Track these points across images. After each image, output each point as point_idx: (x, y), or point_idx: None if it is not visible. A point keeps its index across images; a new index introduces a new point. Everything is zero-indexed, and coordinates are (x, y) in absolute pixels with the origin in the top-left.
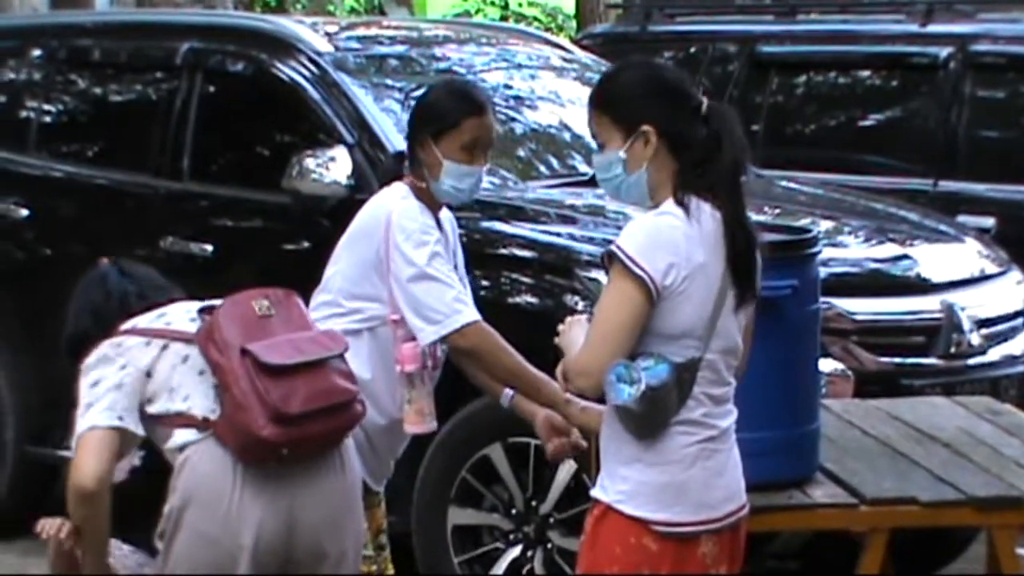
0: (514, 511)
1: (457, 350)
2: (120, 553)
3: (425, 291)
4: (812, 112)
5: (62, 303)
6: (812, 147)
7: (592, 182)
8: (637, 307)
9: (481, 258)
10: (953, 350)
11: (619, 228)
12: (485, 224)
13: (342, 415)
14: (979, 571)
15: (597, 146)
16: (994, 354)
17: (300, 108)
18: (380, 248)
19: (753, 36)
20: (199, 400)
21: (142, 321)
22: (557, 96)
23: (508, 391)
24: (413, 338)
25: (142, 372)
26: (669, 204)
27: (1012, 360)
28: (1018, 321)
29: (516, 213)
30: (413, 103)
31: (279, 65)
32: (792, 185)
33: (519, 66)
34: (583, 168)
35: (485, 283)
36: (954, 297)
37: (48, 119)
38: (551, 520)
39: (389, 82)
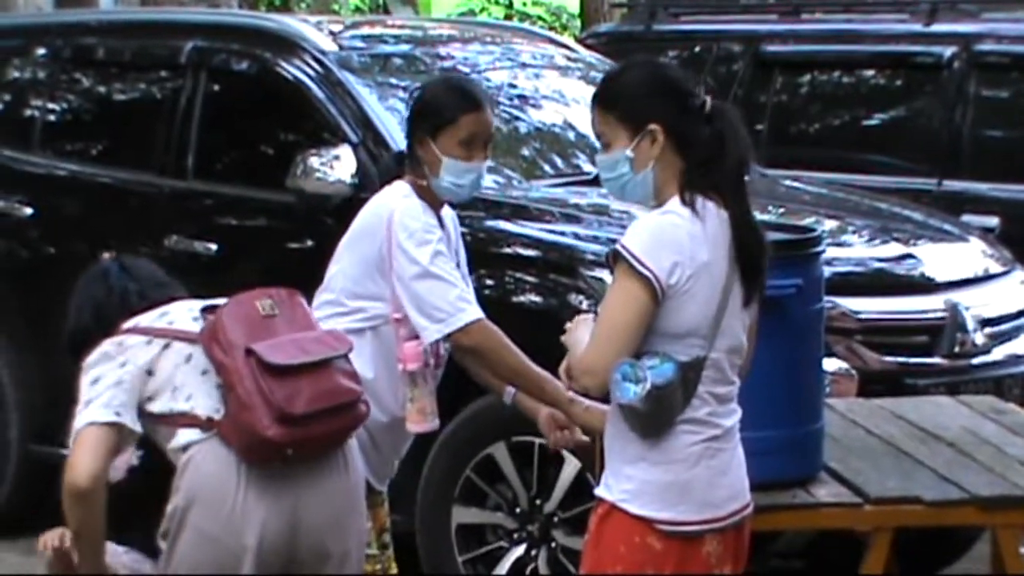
0: (518, 510)
1: (460, 348)
2: (113, 552)
3: (428, 289)
4: (816, 111)
5: (66, 301)
6: (816, 146)
7: (596, 181)
8: (642, 306)
9: (485, 257)
10: (957, 349)
11: (623, 227)
12: (489, 223)
13: (346, 415)
14: (983, 570)
15: (601, 145)
16: (998, 353)
17: (304, 107)
18: (382, 247)
19: (757, 35)
20: (202, 400)
21: (144, 320)
22: (561, 95)
23: (510, 388)
24: (415, 337)
25: (143, 370)
26: (674, 203)
27: (1016, 359)
28: (1022, 320)
29: (520, 212)
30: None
31: (283, 64)
32: (796, 184)
33: (523, 65)
34: (587, 167)
35: (489, 282)
36: (958, 296)
37: (52, 118)
38: (555, 519)
39: (393, 81)
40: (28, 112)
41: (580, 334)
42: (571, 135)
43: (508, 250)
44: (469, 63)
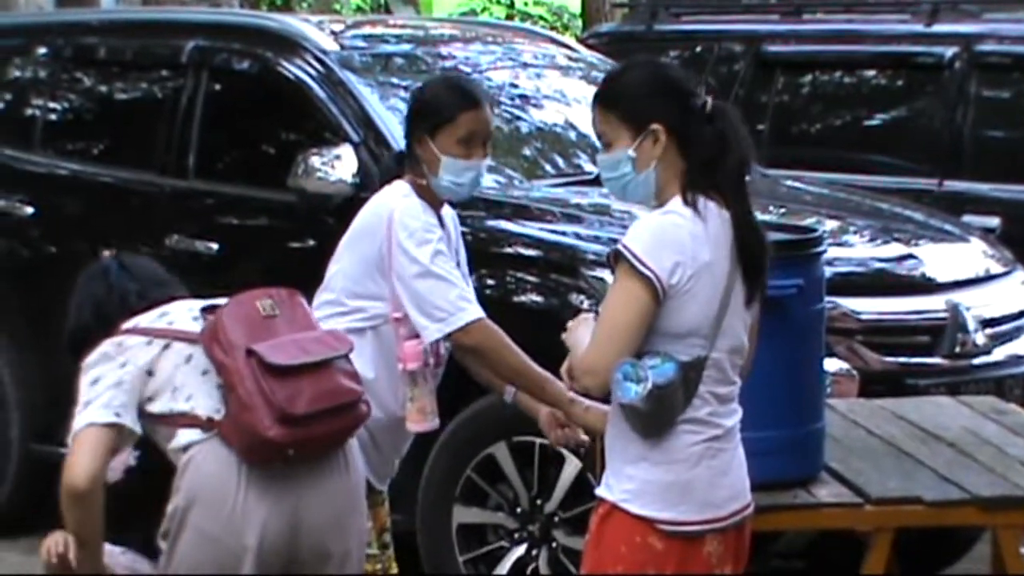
0: (519, 510)
1: (461, 347)
2: (111, 553)
3: (429, 289)
4: (817, 111)
5: (67, 301)
6: (817, 146)
7: (597, 181)
8: (643, 306)
9: (486, 257)
10: (958, 350)
11: (625, 227)
12: (490, 223)
13: (347, 415)
14: (984, 571)
15: (602, 145)
16: (999, 354)
17: (306, 106)
18: (382, 246)
19: (759, 35)
20: (203, 400)
21: (144, 320)
22: (563, 95)
23: (511, 387)
24: (415, 336)
25: (143, 370)
26: (675, 203)
27: (1017, 360)
28: (1023, 321)
29: (521, 212)
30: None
31: (285, 63)
32: (797, 184)
33: (524, 65)
34: (588, 167)
35: (491, 282)
36: (959, 297)
37: (53, 117)
38: (556, 519)
39: (395, 80)
40: (29, 111)
41: (581, 333)
42: (572, 135)
43: (509, 250)
44: (470, 63)
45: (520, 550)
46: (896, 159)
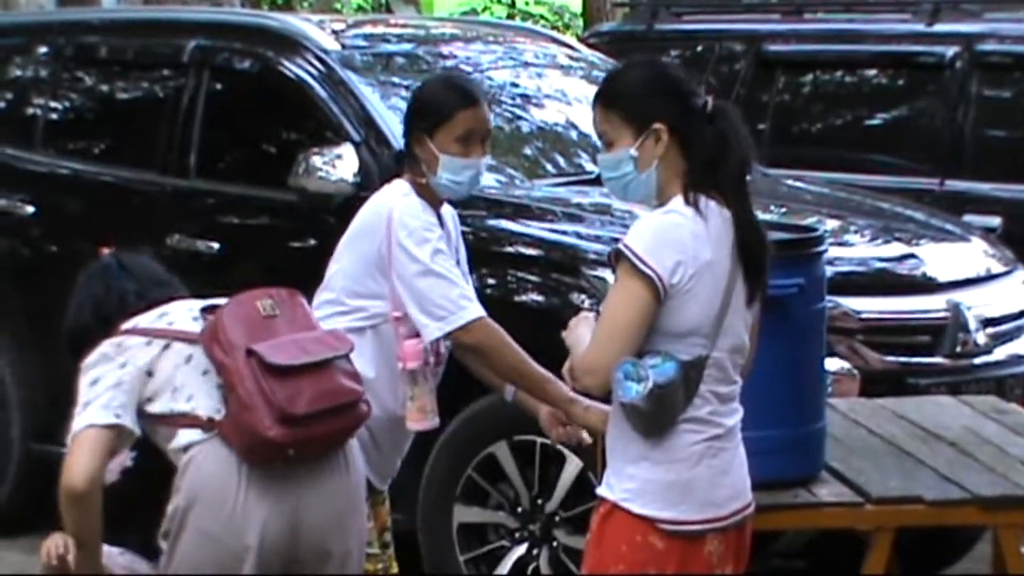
0: (520, 509)
1: (462, 346)
2: (108, 553)
3: (429, 287)
4: (818, 111)
5: (68, 300)
6: (818, 146)
7: (598, 181)
8: (644, 305)
9: (487, 256)
10: (959, 349)
11: (626, 226)
12: (491, 222)
13: (348, 415)
14: (984, 570)
15: (603, 144)
16: (1000, 353)
17: (307, 106)
18: (382, 245)
19: (760, 35)
20: (203, 400)
21: (143, 321)
22: (563, 94)
23: (511, 385)
24: (415, 335)
25: (142, 371)
26: (676, 202)
27: (1018, 359)
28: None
29: (522, 211)
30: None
31: (286, 63)
32: (798, 184)
33: (525, 64)
34: (589, 167)
35: (492, 281)
36: (960, 296)
37: (54, 116)
38: (557, 518)
39: (396, 80)
40: (30, 111)
41: (581, 332)
42: (573, 134)
43: (510, 249)
44: (471, 62)
45: (521, 549)
46: (897, 159)
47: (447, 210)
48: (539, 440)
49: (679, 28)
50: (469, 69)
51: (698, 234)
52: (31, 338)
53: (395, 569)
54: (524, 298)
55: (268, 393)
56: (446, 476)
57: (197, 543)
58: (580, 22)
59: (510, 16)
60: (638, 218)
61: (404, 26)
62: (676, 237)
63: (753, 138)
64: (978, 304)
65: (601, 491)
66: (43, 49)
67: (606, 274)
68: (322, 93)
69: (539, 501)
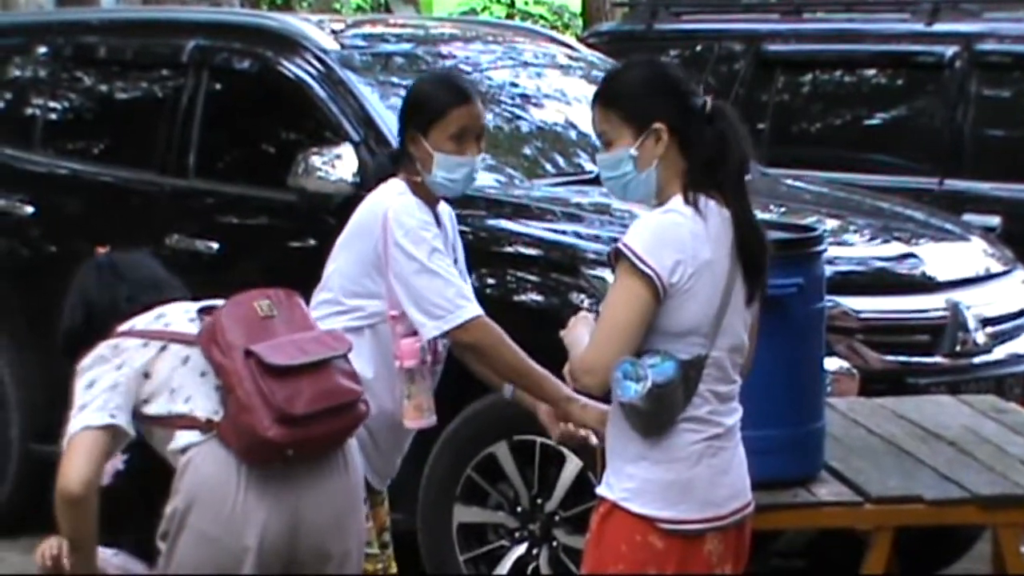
0: (519, 509)
1: (460, 345)
2: (103, 555)
3: (427, 286)
4: (818, 111)
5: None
6: (818, 146)
7: (597, 180)
8: (644, 305)
9: (487, 256)
10: (958, 348)
11: (625, 226)
12: (491, 222)
13: (347, 415)
14: (984, 570)
15: (602, 144)
16: (999, 352)
17: (306, 106)
18: (378, 245)
19: (759, 35)
20: (201, 402)
21: (140, 322)
22: (563, 94)
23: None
24: (412, 334)
25: (139, 372)
26: (676, 202)
27: (1017, 359)
28: (1023, 319)
29: (522, 211)
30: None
31: (285, 63)
32: (798, 183)
33: (525, 64)
34: (589, 166)
35: (491, 281)
36: (959, 296)
37: (54, 116)
38: (556, 518)
39: (395, 80)
40: (29, 111)
41: (579, 332)
42: (573, 134)
43: (510, 249)
44: (471, 62)
45: (521, 549)
46: (896, 158)
47: (444, 208)
48: (539, 440)
49: (678, 28)
50: (468, 69)
51: (697, 233)
52: (30, 338)
53: (394, 569)
54: (523, 298)
55: (267, 394)
56: (446, 476)
57: (196, 544)
58: (579, 22)
59: (509, 16)
60: (637, 218)
61: (403, 26)
62: (675, 236)
63: (752, 138)
64: (977, 303)
65: (601, 491)
66: (42, 49)
67: (605, 274)
68: (321, 93)
69: (539, 501)
